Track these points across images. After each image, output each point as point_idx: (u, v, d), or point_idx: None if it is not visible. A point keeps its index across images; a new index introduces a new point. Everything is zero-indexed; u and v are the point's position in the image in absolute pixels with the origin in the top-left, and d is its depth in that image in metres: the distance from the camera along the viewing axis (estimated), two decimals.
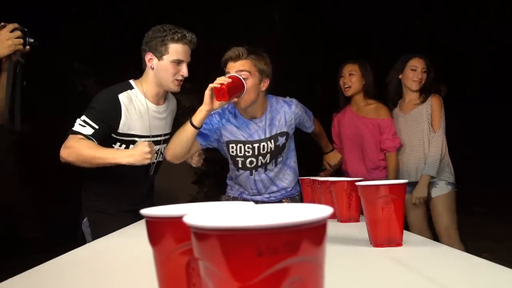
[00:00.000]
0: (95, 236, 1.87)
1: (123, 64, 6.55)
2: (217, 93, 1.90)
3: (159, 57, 1.92)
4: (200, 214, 0.42)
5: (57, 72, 5.80)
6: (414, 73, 2.85)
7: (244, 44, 2.15)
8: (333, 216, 1.19)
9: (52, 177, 6.08)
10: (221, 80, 1.91)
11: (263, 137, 2.13)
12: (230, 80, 1.92)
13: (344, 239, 1.21)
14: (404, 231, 1.10)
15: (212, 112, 2.05)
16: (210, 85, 1.91)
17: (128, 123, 1.92)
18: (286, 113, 2.16)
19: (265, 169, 2.16)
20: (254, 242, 0.34)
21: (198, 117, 1.96)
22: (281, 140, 2.14)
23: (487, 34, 6.16)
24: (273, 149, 2.13)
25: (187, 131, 1.98)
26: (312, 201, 1.85)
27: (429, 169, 2.76)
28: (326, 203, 1.59)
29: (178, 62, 1.93)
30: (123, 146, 1.95)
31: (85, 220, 2.06)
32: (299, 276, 0.36)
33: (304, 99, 2.43)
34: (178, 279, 0.52)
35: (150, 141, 1.95)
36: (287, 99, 2.24)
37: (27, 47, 1.76)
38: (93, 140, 1.84)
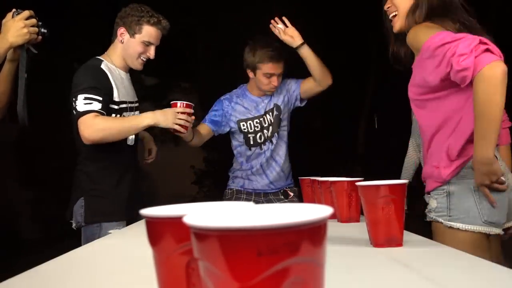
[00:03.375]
0: (86, 217, 1.91)
1: None
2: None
3: (132, 35, 1.99)
4: (200, 214, 0.42)
5: (57, 72, 5.80)
6: None
7: (245, 43, 2.17)
8: (333, 216, 1.19)
9: (52, 177, 6.08)
10: (183, 123, 1.94)
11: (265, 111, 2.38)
12: (189, 121, 1.97)
13: (344, 239, 1.21)
14: (404, 231, 1.10)
15: (221, 98, 2.40)
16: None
17: (116, 90, 1.94)
18: (281, 88, 2.40)
19: (271, 142, 2.39)
20: (254, 242, 0.34)
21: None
22: (275, 112, 2.39)
23: (487, 34, 6.15)
24: (272, 121, 2.38)
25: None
26: (312, 201, 1.85)
27: None
28: (326, 203, 1.59)
29: (148, 44, 1.99)
30: (117, 116, 1.94)
31: (80, 200, 1.96)
32: (299, 276, 0.36)
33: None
34: (178, 279, 0.52)
35: (128, 107, 1.99)
36: None
37: (39, 37, 1.69)
38: (104, 114, 1.85)
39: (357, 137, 7.74)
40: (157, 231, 0.53)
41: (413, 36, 1.47)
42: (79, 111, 1.81)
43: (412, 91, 1.52)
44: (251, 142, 2.38)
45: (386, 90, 7.84)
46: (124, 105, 1.97)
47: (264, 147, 2.38)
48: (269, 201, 2.40)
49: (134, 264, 1.01)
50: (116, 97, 1.93)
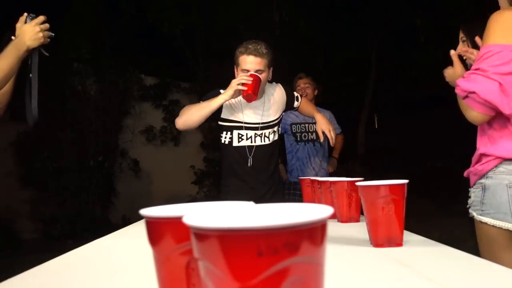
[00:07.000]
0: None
1: (123, 64, 6.55)
2: (247, 98, 2.18)
3: (237, 68, 2.29)
4: (200, 214, 0.42)
5: (57, 72, 5.80)
6: None
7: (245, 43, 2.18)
8: (333, 216, 1.19)
9: (52, 177, 6.08)
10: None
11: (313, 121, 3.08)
12: (251, 80, 2.14)
13: (344, 239, 1.21)
14: (404, 231, 1.10)
15: None
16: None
17: (228, 111, 2.28)
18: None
19: (313, 144, 3.37)
20: (254, 242, 0.34)
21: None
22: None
23: None
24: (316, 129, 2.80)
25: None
26: (312, 201, 1.85)
27: None
28: (326, 203, 1.59)
29: (247, 71, 2.22)
30: (228, 134, 2.31)
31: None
32: (299, 276, 0.36)
33: None
34: (178, 279, 0.52)
35: (243, 126, 2.31)
36: None
37: (48, 39, 1.78)
38: None
39: (357, 137, 7.74)
40: (157, 231, 0.53)
41: (487, 27, 1.46)
42: None
43: None
44: (298, 139, 3.39)
45: (386, 90, 7.85)
46: (232, 124, 2.30)
47: (308, 145, 3.37)
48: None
49: (134, 264, 1.01)
50: (223, 115, 2.27)
